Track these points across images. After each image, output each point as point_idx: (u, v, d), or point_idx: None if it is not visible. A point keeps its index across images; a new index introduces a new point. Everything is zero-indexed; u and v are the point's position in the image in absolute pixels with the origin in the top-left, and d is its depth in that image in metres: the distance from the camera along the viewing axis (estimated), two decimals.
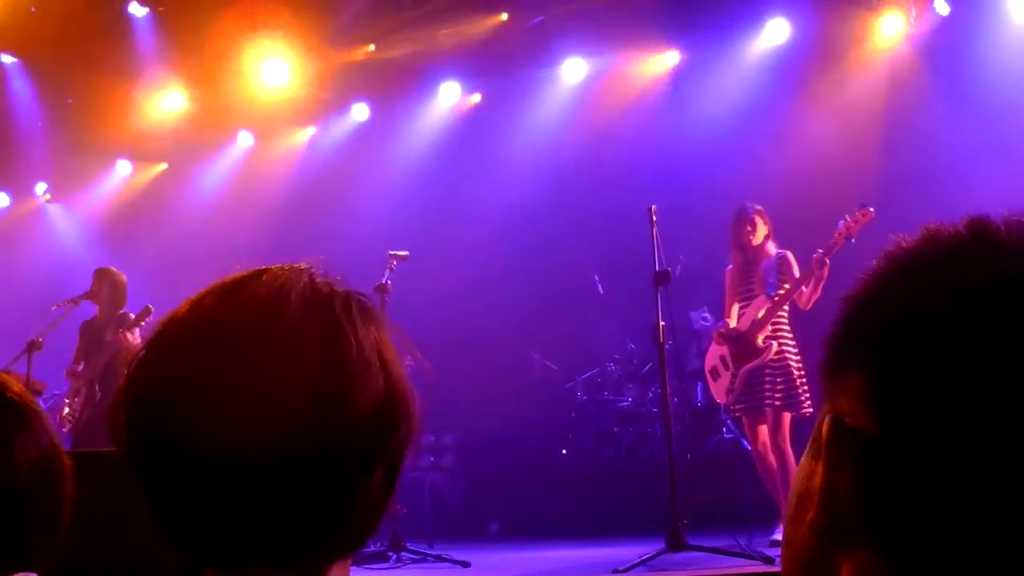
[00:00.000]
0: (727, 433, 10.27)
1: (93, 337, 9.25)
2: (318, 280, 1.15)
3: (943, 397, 0.79)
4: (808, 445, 0.95)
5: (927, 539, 0.80)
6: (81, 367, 9.22)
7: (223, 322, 1.11)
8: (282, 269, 1.15)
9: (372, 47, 12.18)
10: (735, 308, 7.99)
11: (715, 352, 8.09)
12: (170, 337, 1.13)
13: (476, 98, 12.92)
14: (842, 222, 7.48)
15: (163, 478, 1.08)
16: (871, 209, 7.41)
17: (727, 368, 7.90)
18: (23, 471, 1.54)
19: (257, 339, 1.09)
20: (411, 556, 7.73)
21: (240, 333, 1.10)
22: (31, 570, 1.55)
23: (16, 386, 1.62)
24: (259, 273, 1.15)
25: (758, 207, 7.99)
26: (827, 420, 0.88)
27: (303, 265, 1.16)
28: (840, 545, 0.86)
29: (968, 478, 0.78)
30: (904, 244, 0.89)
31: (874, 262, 0.90)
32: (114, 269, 9.55)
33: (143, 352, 1.13)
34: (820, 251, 7.44)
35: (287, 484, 1.07)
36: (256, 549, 1.08)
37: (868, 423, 0.84)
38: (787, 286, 7.68)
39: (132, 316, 9.03)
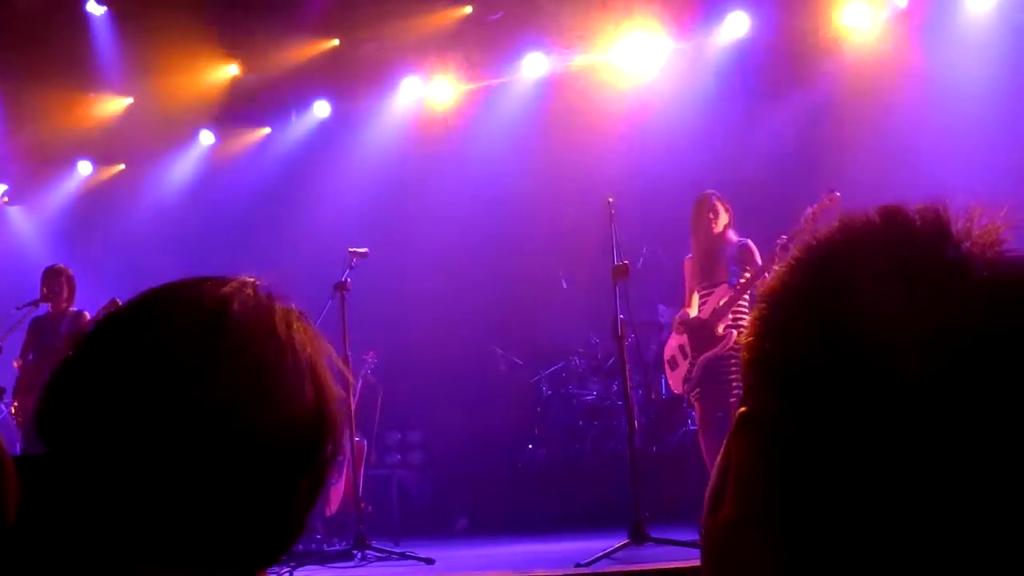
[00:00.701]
0: (692, 425, 10.30)
1: (46, 334, 9.20)
2: (261, 293, 1.16)
3: (846, 384, 0.79)
4: (724, 443, 0.96)
5: (824, 531, 0.81)
6: (30, 358, 9.20)
7: (161, 324, 1.11)
8: (226, 279, 1.16)
9: (336, 42, 12.18)
10: (695, 297, 7.99)
11: (674, 342, 8.10)
12: (106, 336, 1.13)
13: (437, 94, 12.88)
14: (808, 207, 7.52)
15: (95, 476, 1.07)
16: (837, 194, 7.46)
17: (685, 357, 7.92)
18: None
19: (197, 343, 1.09)
20: (376, 554, 7.72)
21: (179, 335, 1.10)
22: None
23: None
24: (202, 280, 1.16)
25: (719, 194, 8.00)
26: (737, 415, 0.89)
27: (248, 278, 1.17)
28: (748, 542, 0.87)
29: (866, 467, 0.79)
30: (820, 235, 0.89)
31: (791, 255, 0.90)
32: (66, 267, 9.51)
33: (78, 350, 1.13)
34: (784, 237, 7.46)
35: (217, 485, 1.07)
36: (184, 549, 1.08)
37: (774, 421, 0.84)
38: (748, 275, 7.70)
39: (87, 315, 9.03)
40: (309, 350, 1.16)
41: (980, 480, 0.77)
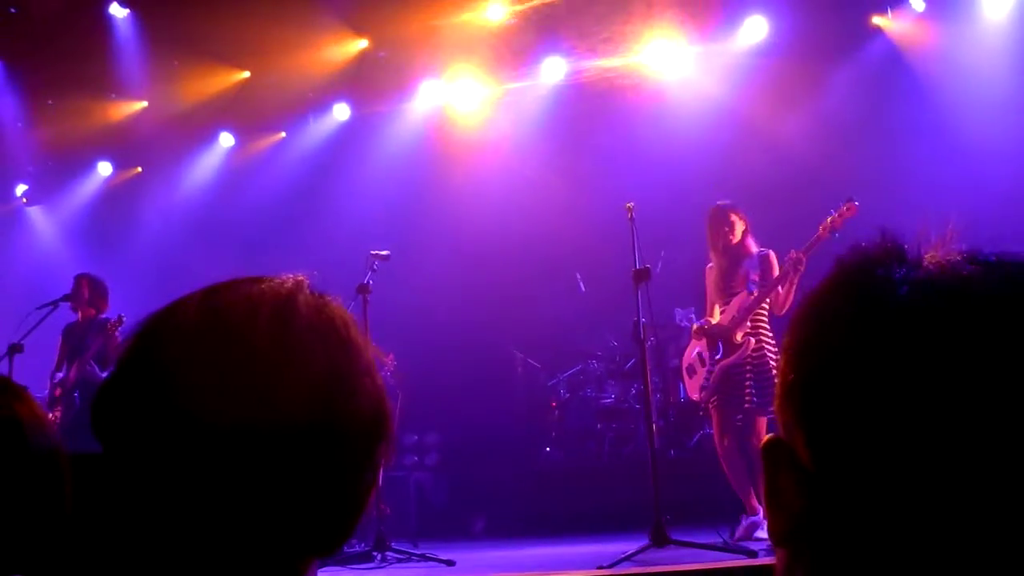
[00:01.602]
0: (710, 429, 10.29)
1: (75, 341, 9.25)
2: (316, 291, 1.18)
3: (864, 418, 0.84)
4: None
5: (850, 556, 0.86)
6: (62, 374, 9.23)
7: (228, 325, 1.12)
8: (282, 277, 1.18)
9: (361, 44, 12.21)
10: (716, 308, 7.99)
11: (693, 349, 8.09)
12: (173, 333, 1.14)
13: (458, 98, 12.90)
14: (827, 216, 7.50)
15: (154, 474, 1.09)
16: (856, 203, 7.43)
17: (703, 364, 7.91)
18: (31, 469, 1.56)
19: (268, 342, 1.11)
20: (396, 556, 7.73)
21: (249, 336, 1.11)
22: (21, 572, 1.56)
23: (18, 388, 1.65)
24: (259, 279, 1.18)
25: (733, 204, 8.00)
26: (764, 444, 0.95)
27: (301, 276, 1.19)
28: (785, 559, 0.92)
29: (886, 497, 0.84)
30: (843, 263, 0.95)
31: (821, 282, 0.96)
32: (93, 274, 9.57)
33: (130, 353, 1.14)
34: (794, 252, 7.46)
35: (294, 483, 1.09)
36: (254, 545, 1.10)
37: (804, 454, 0.90)
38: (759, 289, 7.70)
39: (112, 321, 9.05)
40: (365, 347, 1.18)
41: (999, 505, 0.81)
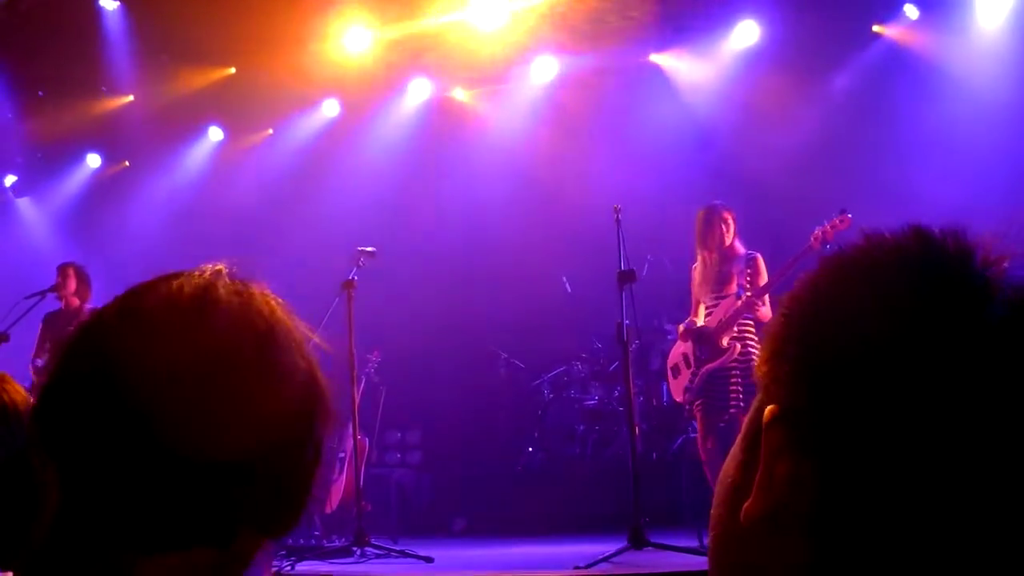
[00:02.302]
0: (693, 432, 10.29)
1: (58, 331, 9.24)
2: (237, 279, 1.19)
3: (885, 397, 0.83)
4: (740, 437, 0.99)
5: (859, 529, 0.85)
6: (42, 361, 9.22)
7: (149, 325, 1.13)
8: (200, 269, 1.19)
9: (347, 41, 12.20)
10: (702, 308, 8.00)
11: (678, 350, 8.11)
12: (95, 337, 1.15)
13: (445, 96, 12.92)
14: (818, 227, 7.51)
15: (102, 468, 1.09)
16: (850, 215, 7.42)
17: (688, 366, 7.92)
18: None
19: (188, 335, 1.11)
20: (375, 551, 7.75)
21: (168, 331, 1.12)
22: (6, 567, 1.56)
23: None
24: (177, 274, 1.18)
25: (726, 204, 8.02)
26: (767, 413, 0.91)
27: (220, 265, 1.20)
28: (773, 532, 0.90)
29: (904, 478, 0.83)
30: (848, 249, 0.93)
31: (817, 266, 0.94)
32: (78, 263, 9.57)
33: (77, 342, 1.15)
34: (747, 294, 7.53)
35: (237, 469, 1.10)
36: (200, 532, 1.11)
37: (808, 420, 0.88)
38: (749, 291, 7.72)
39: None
40: (293, 327, 1.19)
41: (1003, 485, 0.81)
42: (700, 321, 7.94)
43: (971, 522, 0.81)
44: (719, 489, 0.99)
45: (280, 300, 1.21)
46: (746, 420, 0.99)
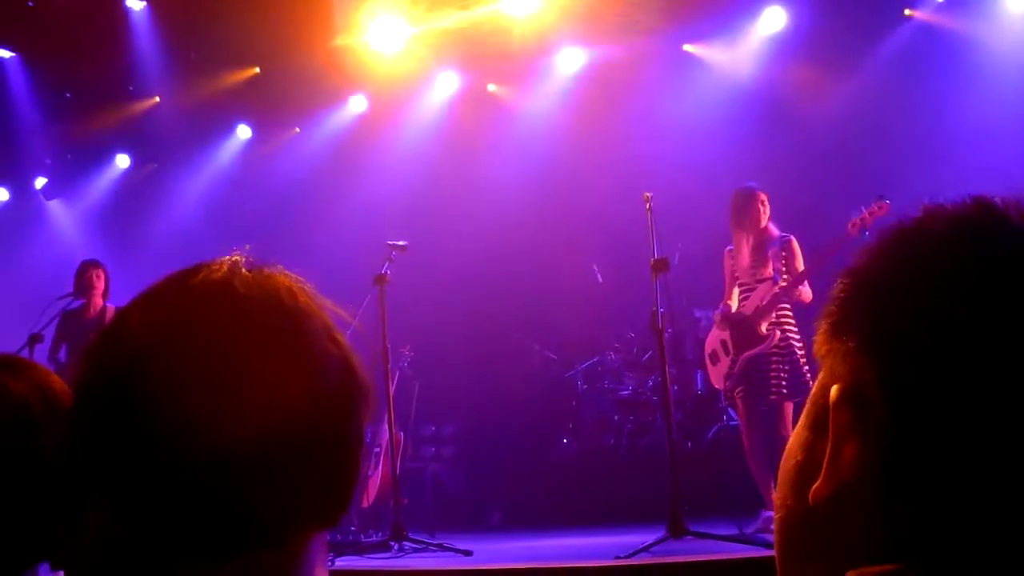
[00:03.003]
0: (728, 421, 10.27)
1: (76, 330, 9.27)
2: (256, 267, 1.16)
3: (955, 369, 0.82)
4: (803, 416, 0.98)
5: (934, 510, 0.83)
6: (61, 354, 9.31)
7: (173, 333, 1.10)
8: (218, 260, 1.16)
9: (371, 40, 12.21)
10: (736, 291, 7.96)
11: (716, 336, 8.06)
12: (115, 338, 1.12)
13: (473, 88, 12.92)
14: (856, 215, 7.44)
15: (152, 474, 1.06)
16: (887, 201, 7.32)
17: (727, 353, 7.88)
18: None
19: (213, 337, 1.09)
20: (413, 545, 7.75)
21: (193, 338, 1.09)
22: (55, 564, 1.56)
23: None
24: (193, 268, 1.16)
25: (761, 186, 7.97)
26: (834, 392, 0.90)
27: (238, 256, 1.17)
28: (843, 513, 0.88)
29: (974, 453, 0.81)
30: (907, 221, 0.91)
31: (875, 239, 0.92)
32: (96, 260, 9.65)
33: (111, 345, 1.12)
34: (784, 279, 7.52)
35: (278, 462, 1.07)
36: (251, 536, 1.08)
37: (876, 397, 0.86)
38: (786, 277, 7.67)
39: (113, 309, 9.14)
40: (320, 311, 1.16)
41: None
42: (735, 304, 7.90)
43: None
44: (783, 470, 0.98)
45: (306, 285, 1.18)
46: (809, 399, 0.97)
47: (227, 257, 1.16)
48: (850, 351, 0.89)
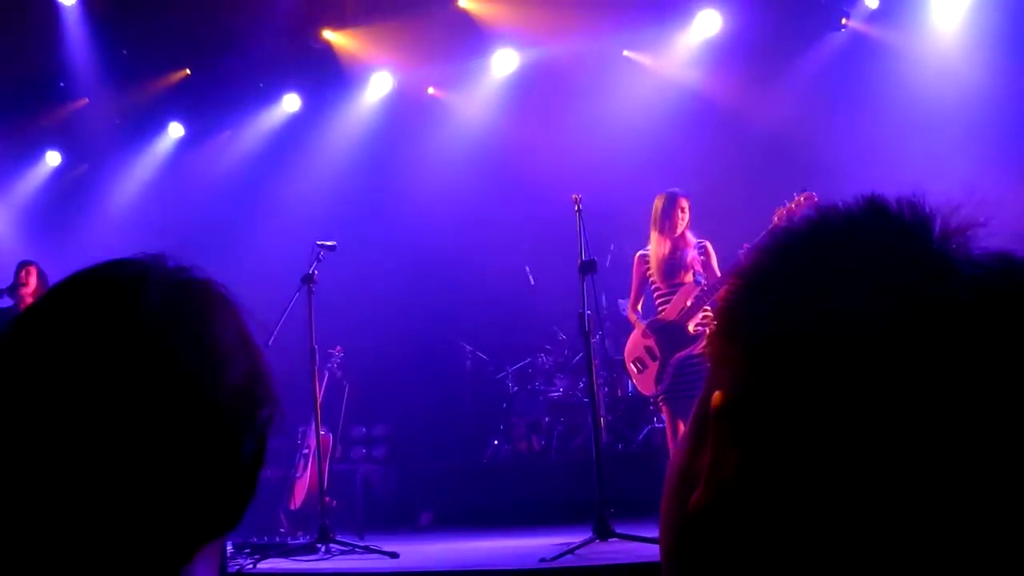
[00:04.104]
0: (657, 423, 10.31)
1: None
2: (173, 267, 1.15)
3: (831, 378, 0.79)
4: (690, 422, 0.95)
5: (806, 524, 0.81)
6: None
7: (73, 310, 1.09)
8: (139, 258, 1.15)
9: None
10: (645, 297, 8.02)
11: (639, 343, 8.05)
12: (26, 329, 1.10)
13: (407, 89, 12.88)
14: (781, 207, 7.49)
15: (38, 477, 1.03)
16: (814, 194, 7.39)
17: (654, 358, 7.89)
18: None
19: (114, 341, 1.07)
20: (340, 548, 7.72)
21: (94, 319, 1.08)
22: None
23: None
24: (112, 263, 1.15)
25: (684, 192, 8.00)
26: (715, 399, 0.87)
27: (159, 254, 1.16)
28: (722, 522, 0.86)
29: (853, 462, 0.79)
30: (797, 222, 0.89)
31: (764, 239, 0.90)
32: (39, 264, 9.49)
33: (8, 336, 1.10)
34: (747, 246, 7.49)
35: (170, 462, 1.05)
36: (139, 530, 1.06)
37: (756, 405, 0.84)
38: (706, 282, 7.73)
39: None
40: (232, 316, 1.15)
41: (960, 469, 0.77)
42: (639, 309, 7.99)
43: (934, 518, 0.77)
44: (667, 477, 0.96)
45: (223, 287, 1.17)
46: (696, 404, 0.94)
47: (143, 255, 1.16)
48: (733, 356, 0.87)
